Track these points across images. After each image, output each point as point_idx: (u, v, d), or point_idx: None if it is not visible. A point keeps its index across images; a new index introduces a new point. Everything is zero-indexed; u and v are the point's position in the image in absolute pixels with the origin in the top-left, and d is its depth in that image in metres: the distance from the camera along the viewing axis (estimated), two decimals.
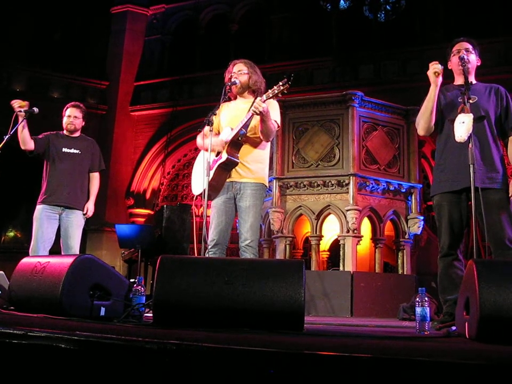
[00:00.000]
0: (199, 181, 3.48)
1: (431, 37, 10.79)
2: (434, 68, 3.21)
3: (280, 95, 3.34)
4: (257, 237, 3.43)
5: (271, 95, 3.29)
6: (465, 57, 3.26)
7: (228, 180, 3.48)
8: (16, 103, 4.17)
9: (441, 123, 3.35)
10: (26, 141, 4.33)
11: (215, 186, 3.43)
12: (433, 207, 3.40)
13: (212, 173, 3.38)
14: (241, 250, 3.38)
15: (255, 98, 3.34)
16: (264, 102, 3.24)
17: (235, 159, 3.41)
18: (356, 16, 12.15)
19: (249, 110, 3.35)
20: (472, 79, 3.35)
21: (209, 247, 3.39)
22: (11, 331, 1.73)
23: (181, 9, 13.59)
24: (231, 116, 3.58)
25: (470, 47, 3.37)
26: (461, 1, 10.86)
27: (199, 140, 3.60)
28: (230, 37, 12.95)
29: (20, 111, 4.16)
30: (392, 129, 7.70)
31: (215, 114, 3.46)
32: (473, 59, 3.36)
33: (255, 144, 3.50)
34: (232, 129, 3.46)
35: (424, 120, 3.31)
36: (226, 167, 3.44)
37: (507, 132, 3.31)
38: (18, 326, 1.83)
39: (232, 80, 3.55)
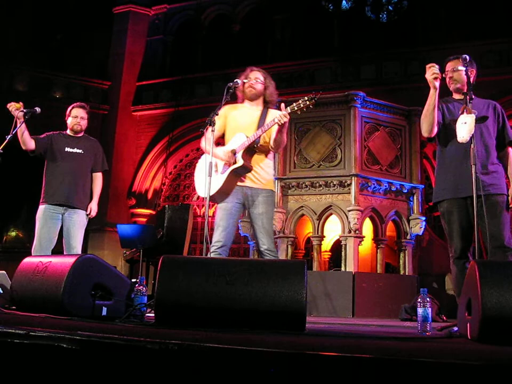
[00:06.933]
0: (204, 184, 3.46)
1: (433, 38, 10.78)
2: (433, 71, 3.21)
3: (304, 110, 3.40)
4: (273, 239, 3.59)
5: (296, 109, 3.33)
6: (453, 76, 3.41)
7: (238, 184, 3.54)
8: (12, 106, 4.16)
9: (443, 132, 3.40)
10: (27, 142, 4.35)
11: (225, 192, 3.50)
12: (441, 212, 3.44)
13: (223, 177, 3.45)
14: (263, 255, 3.53)
15: (284, 106, 3.39)
16: (289, 114, 3.31)
17: (250, 165, 3.49)
18: (358, 17, 12.12)
19: (271, 120, 3.41)
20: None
21: (215, 248, 3.48)
22: (13, 331, 1.73)
23: (183, 9, 13.58)
24: (244, 120, 3.61)
25: (457, 66, 3.44)
26: (462, 2, 10.84)
27: (203, 143, 3.57)
28: (232, 37, 12.93)
29: (21, 111, 4.16)
30: (394, 130, 7.69)
31: (217, 115, 3.46)
32: (463, 76, 3.39)
33: (266, 152, 3.60)
34: (247, 137, 3.48)
35: (426, 123, 3.35)
36: (240, 173, 3.50)
37: (502, 146, 3.45)
38: (20, 325, 1.84)
39: (235, 80, 3.56)
